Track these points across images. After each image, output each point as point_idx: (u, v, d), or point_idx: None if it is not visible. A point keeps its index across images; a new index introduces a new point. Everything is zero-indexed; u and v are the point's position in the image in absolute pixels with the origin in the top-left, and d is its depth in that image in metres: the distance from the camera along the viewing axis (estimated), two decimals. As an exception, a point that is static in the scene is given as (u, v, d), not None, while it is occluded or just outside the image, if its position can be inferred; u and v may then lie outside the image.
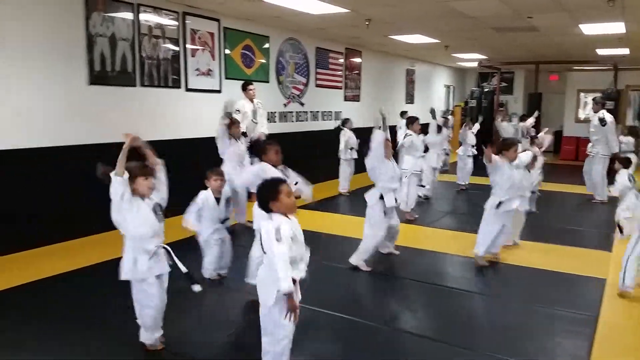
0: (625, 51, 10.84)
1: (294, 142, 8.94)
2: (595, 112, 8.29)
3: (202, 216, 4.37)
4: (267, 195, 2.67)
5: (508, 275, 4.84)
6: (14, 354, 3.21)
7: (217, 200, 4.43)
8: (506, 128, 10.72)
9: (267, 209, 2.67)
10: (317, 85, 9.70)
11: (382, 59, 11.99)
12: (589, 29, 8.15)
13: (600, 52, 11.15)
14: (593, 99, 9.35)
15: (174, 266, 3.15)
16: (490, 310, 4.09)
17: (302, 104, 9.30)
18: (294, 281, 2.61)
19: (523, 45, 10.62)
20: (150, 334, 3.16)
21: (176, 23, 6.65)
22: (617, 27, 7.92)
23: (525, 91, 15.99)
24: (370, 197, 4.90)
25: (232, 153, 5.99)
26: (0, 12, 4.87)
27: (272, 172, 3.71)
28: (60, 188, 5.38)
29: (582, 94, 15.12)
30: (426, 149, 7.56)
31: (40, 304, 3.97)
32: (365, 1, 6.52)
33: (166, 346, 3.23)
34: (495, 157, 4.77)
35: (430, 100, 14.90)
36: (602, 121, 7.96)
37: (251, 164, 4.68)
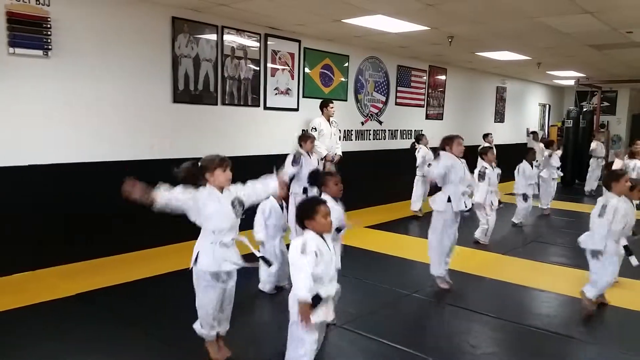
0: None
1: (370, 160, 8.91)
2: None
3: (267, 225, 4.43)
4: (304, 213, 2.75)
5: (609, 318, 4.38)
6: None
7: (282, 207, 4.50)
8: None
9: (302, 226, 2.75)
10: (397, 104, 9.59)
11: (468, 76, 11.62)
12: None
13: None
14: None
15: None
16: (554, 349, 3.75)
17: (380, 122, 9.23)
18: (320, 299, 2.65)
19: (626, 62, 9.81)
20: (203, 329, 3.26)
21: (258, 44, 6.89)
22: None
23: (630, 112, 14.73)
24: (437, 201, 4.76)
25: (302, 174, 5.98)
26: (96, 29, 5.31)
27: (333, 209, 3.68)
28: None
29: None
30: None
31: (123, 307, 4.21)
32: (448, 19, 6.35)
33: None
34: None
35: (522, 119, 14.21)
36: None
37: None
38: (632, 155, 8.30)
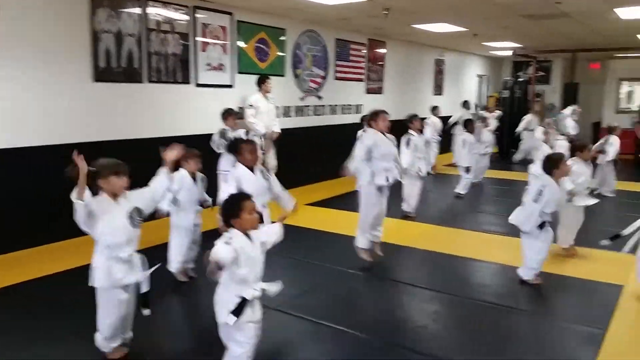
0: (671, 36, 10.11)
1: (311, 137, 8.80)
2: None
3: (179, 200, 4.25)
4: (230, 211, 2.61)
5: (546, 286, 4.42)
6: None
7: (193, 178, 4.32)
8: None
9: (228, 225, 2.60)
10: (337, 78, 9.47)
11: (408, 49, 11.63)
12: (626, 12, 7.58)
13: (643, 37, 10.44)
14: None
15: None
16: (496, 322, 3.82)
17: (319, 98, 9.10)
18: (246, 300, 2.56)
19: (559, 33, 10.05)
20: (106, 342, 3.04)
21: (186, 17, 6.56)
22: (658, 11, 7.34)
23: (563, 81, 15.24)
24: (361, 177, 4.76)
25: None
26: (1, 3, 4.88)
27: (247, 179, 3.59)
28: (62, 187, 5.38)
29: (624, 83, 14.32)
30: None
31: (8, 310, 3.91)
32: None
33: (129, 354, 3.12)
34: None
35: (461, 92, 14.43)
36: None
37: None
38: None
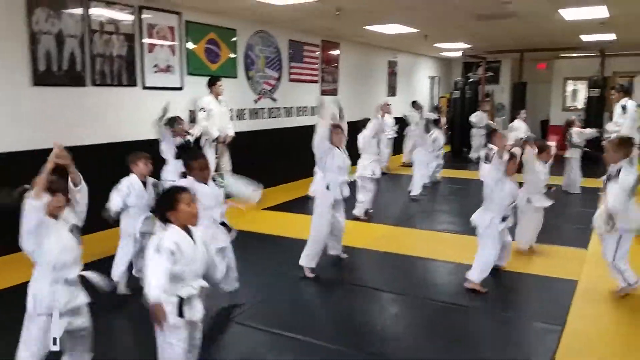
0: (612, 36, 10.51)
1: (266, 139, 8.65)
2: (618, 100, 7.90)
3: (128, 206, 4.04)
4: (165, 204, 2.50)
5: (501, 284, 4.45)
6: None
7: (144, 183, 4.13)
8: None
9: (165, 220, 2.49)
10: (291, 80, 9.35)
11: (361, 50, 11.64)
12: (571, 13, 7.81)
13: (585, 38, 10.82)
14: (612, 87, 9.09)
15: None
16: (455, 322, 3.79)
17: (274, 100, 8.96)
18: (182, 300, 2.46)
19: (507, 33, 10.28)
20: None
21: (131, 17, 6.29)
22: (600, 12, 7.59)
23: (512, 81, 15.66)
24: (316, 189, 4.61)
25: (173, 152, 5.58)
26: None
27: (202, 192, 3.40)
28: None
29: (569, 82, 14.85)
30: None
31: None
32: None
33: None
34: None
35: (413, 92, 14.59)
36: (624, 109, 7.57)
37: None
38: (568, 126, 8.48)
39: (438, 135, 8.56)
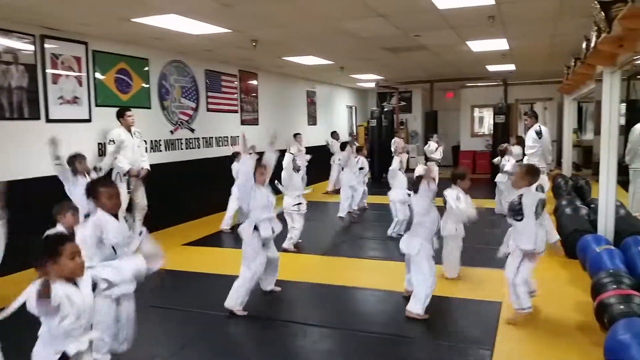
0: (512, 67, 11.31)
1: (184, 171, 8.33)
2: (530, 125, 8.16)
3: None
4: (44, 256, 2.21)
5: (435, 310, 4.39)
6: None
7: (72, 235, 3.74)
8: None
9: (44, 270, 2.19)
10: (209, 110, 9.13)
11: (280, 80, 11.67)
12: (477, 45, 8.30)
13: (490, 68, 11.56)
14: (525, 113, 9.51)
15: None
16: (390, 353, 3.71)
17: (192, 130, 8.68)
18: (68, 357, 2.21)
19: (417, 65, 10.75)
20: None
21: (32, 47, 5.85)
22: (501, 44, 8.13)
23: (423, 109, 16.39)
24: (244, 230, 4.41)
25: (79, 194, 5.19)
26: None
27: (111, 227, 3.13)
28: None
29: (476, 110, 15.78)
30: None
31: None
32: (249, 22, 6.13)
33: None
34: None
35: (333, 121, 14.82)
36: (539, 134, 7.89)
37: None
38: (502, 154, 8.74)
39: (363, 160, 8.68)
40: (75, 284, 2.29)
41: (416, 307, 4.10)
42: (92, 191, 3.17)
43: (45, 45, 6.01)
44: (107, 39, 6.82)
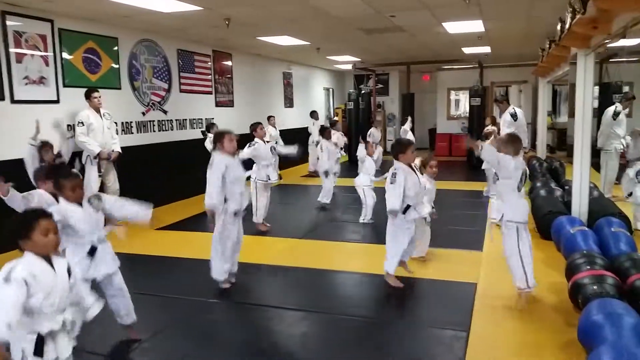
0: (487, 49, 11.31)
1: (157, 154, 8.14)
2: (504, 110, 8.13)
3: None
4: (17, 232, 2.19)
5: (413, 292, 4.41)
6: None
7: None
8: None
9: (20, 248, 2.20)
10: (182, 91, 8.91)
11: (255, 62, 11.46)
12: (453, 27, 8.25)
13: (466, 50, 11.54)
14: (495, 100, 9.53)
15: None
16: (364, 335, 3.68)
17: (165, 112, 8.47)
18: (42, 338, 2.18)
19: (393, 47, 10.66)
20: None
21: (-7, 23, 5.59)
22: (477, 25, 8.10)
23: (400, 92, 16.35)
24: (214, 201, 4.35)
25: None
26: None
27: (76, 217, 3.06)
28: None
29: (452, 92, 15.81)
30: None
31: None
32: (219, -1, 5.96)
33: None
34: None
35: (310, 104, 14.68)
36: (514, 116, 7.86)
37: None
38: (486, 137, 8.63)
39: (338, 135, 8.63)
40: (50, 263, 2.24)
41: (386, 264, 4.34)
42: (55, 184, 3.07)
43: (7, 22, 5.74)
44: (74, 17, 6.56)
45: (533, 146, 12.76)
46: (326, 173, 7.97)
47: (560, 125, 14.60)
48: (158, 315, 4.02)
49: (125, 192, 6.95)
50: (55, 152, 5.54)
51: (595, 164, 7.47)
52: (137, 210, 3.40)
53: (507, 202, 3.94)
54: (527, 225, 3.98)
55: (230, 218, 4.41)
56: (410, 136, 10.95)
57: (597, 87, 10.43)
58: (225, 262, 4.45)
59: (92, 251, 3.18)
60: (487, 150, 3.99)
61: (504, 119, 7.94)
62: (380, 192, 5.07)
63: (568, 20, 4.81)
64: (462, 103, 15.91)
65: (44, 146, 5.27)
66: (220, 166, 4.28)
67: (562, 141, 14.00)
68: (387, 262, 4.36)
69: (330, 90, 16.84)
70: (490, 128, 8.80)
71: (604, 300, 3.27)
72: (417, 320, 3.88)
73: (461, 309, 3.92)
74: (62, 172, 3.32)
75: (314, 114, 12.26)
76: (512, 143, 3.97)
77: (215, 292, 4.40)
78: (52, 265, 2.25)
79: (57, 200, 3.17)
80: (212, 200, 4.29)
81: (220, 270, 4.46)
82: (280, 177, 8.88)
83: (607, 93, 10.66)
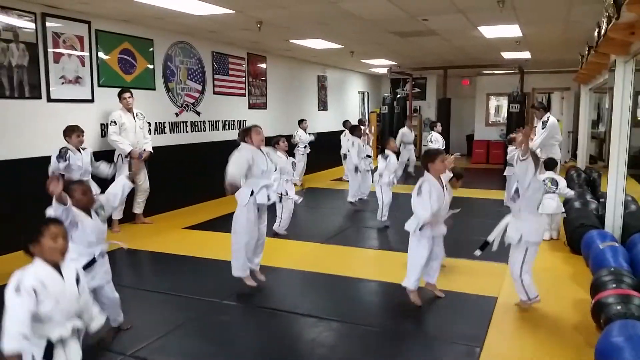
0: (527, 54, 11.00)
1: (189, 154, 8.28)
2: (540, 117, 7.98)
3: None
4: (28, 236, 2.24)
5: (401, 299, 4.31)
6: None
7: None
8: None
9: (29, 253, 2.24)
10: (216, 93, 9.04)
11: (289, 64, 11.52)
12: (489, 31, 8.05)
13: (505, 55, 11.26)
14: (532, 106, 9.34)
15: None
16: (369, 346, 3.62)
17: (198, 113, 8.61)
18: (52, 344, 2.20)
19: (429, 51, 10.50)
20: None
21: (32, 25, 5.80)
22: (514, 30, 7.87)
23: (437, 97, 16.09)
24: (240, 194, 4.35)
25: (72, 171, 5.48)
26: None
27: (84, 223, 3.12)
28: None
29: (492, 98, 15.44)
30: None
31: None
32: (250, 2, 5.99)
33: None
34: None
35: (344, 107, 14.65)
36: (544, 124, 7.69)
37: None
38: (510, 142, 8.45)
39: (368, 150, 8.56)
40: (59, 270, 2.29)
41: (405, 280, 4.17)
42: (65, 189, 3.13)
43: (47, 24, 5.96)
44: (110, 19, 6.75)
45: (574, 156, 12.32)
46: (356, 168, 7.97)
47: (603, 135, 14.04)
48: (172, 315, 4.06)
49: (157, 191, 7.15)
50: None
51: (636, 176, 7.14)
52: (122, 187, 3.48)
53: (526, 222, 3.83)
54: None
55: (252, 213, 4.36)
56: (438, 144, 10.62)
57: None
58: (244, 257, 4.42)
59: (91, 263, 3.21)
60: (521, 168, 3.81)
61: (538, 127, 7.72)
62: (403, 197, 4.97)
63: (604, 26, 4.60)
64: (503, 109, 15.52)
65: (75, 130, 5.63)
66: (247, 154, 4.26)
67: (603, 151, 13.46)
68: (407, 278, 4.19)
69: (366, 94, 16.74)
70: (513, 134, 8.53)
71: (627, 321, 3.09)
72: (431, 333, 3.78)
73: (478, 323, 3.80)
74: (72, 182, 3.42)
75: (346, 124, 12.04)
76: (534, 157, 3.83)
77: (229, 293, 4.41)
78: (60, 272, 2.29)
79: None
80: (232, 175, 4.19)
81: (238, 266, 4.45)
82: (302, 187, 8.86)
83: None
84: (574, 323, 3.79)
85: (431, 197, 3.96)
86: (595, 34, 5.29)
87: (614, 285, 3.66)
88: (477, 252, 4.23)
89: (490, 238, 4.09)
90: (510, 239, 3.96)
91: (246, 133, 4.42)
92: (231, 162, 4.23)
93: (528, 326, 3.75)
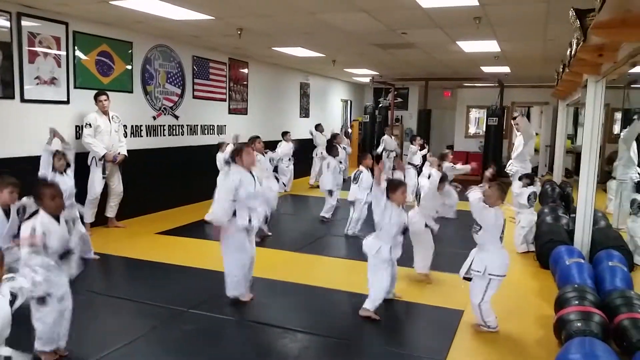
0: (506, 69, 11.16)
1: (166, 158, 8.22)
2: (519, 130, 8.29)
3: None
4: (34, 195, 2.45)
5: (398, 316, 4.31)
6: None
7: (6, 212, 3.70)
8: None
9: None
10: (196, 97, 9.00)
11: (272, 71, 11.52)
12: (468, 46, 8.16)
13: (485, 69, 11.41)
14: (513, 118, 9.52)
15: None
16: (335, 355, 3.62)
17: (176, 117, 8.55)
18: None
19: (411, 63, 10.59)
20: None
21: (7, 24, 5.72)
22: (492, 45, 7.98)
23: (419, 107, 16.22)
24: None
25: None
26: None
27: (52, 229, 3.01)
28: None
29: (473, 110, 15.62)
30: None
31: None
32: (231, 10, 6.00)
33: None
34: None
35: (326, 114, 14.68)
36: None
37: None
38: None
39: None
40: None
41: (366, 303, 4.09)
42: (34, 191, 3.07)
43: (22, 23, 5.88)
44: (88, 20, 6.69)
45: (551, 169, 12.50)
46: (330, 192, 7.89)
47: (579, 149, 14.26)
48: (137, 322, 4.02)
49: (131, 194, 7.08)
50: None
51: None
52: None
53: (491, 254, 3.84)
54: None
55: (240, 232, 4.25)
56: (418, 158, 10.52)
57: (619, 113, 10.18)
58: (238, 276, 4.33)
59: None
60: (473, 205, 3.87)
61: (519, 139, 7.97)
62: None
63: (574, 47, 4.70)
64: (483, 121, 15.69)
65: (56, 154, 5.23)
66: (234, 179, 4.13)
67: (579, 166, 13.66)
68: (369, 300, 4.10)
69: (349, 102, 16.81)
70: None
71: (584, 339, 3.14)
72: (397, 345, 3.79)
73: (442, 336, 3.83)
74: (40, 180, 3.34)
75: (318, 127, 12.07)
76: (503, 192, 3.88)
77: (197, 302, 4.37)
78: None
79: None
80: (217, 217, 4.13)
81: (231, 285, 4.35)
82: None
83: (629, 120, 10.38)
84: (537, 339, 3.84)
85: (391, 219, 3.98)
86: (568, 53, 5.39)
87: (577, 302, 3.71)
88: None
89: (461, 273, 4.05)
90: (474, 270, 3.94)
91: (237, 153, 4.25)
92: (216, 199, 4.14)
93: (492, 340, 3.78)
